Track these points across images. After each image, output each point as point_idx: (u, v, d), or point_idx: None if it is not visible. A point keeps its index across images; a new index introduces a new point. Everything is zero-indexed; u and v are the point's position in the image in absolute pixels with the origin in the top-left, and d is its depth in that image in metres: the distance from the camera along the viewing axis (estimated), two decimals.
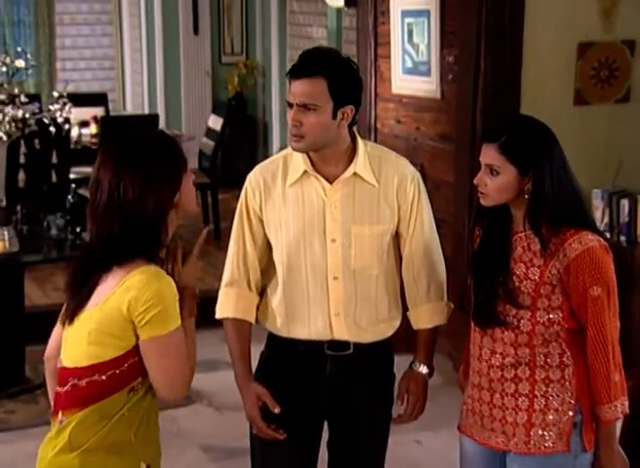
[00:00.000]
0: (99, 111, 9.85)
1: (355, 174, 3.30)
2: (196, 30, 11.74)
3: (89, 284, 2.82)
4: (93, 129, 8.68)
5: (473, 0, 6.07)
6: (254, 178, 3.39)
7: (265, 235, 3.39)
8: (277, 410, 3.29)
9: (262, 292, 3.45)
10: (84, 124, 8.95)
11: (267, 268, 3.43)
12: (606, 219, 6.22)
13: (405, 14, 6.75)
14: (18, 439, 5.18)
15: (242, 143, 11.55)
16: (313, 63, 3.21)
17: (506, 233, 3.17)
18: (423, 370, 3.49)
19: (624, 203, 6.14)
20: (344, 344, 3.37)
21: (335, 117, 3.20)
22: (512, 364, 3.12)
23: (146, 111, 11.39)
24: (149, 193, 2.78)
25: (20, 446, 4.99)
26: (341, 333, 3.35)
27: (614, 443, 3.11)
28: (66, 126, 7.74)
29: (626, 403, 3.08)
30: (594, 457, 3.11)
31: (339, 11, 9.35)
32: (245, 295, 3.41)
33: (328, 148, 3.27)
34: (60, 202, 6.85)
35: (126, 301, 2.74)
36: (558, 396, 3.09)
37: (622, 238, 6.16)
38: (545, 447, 3.10)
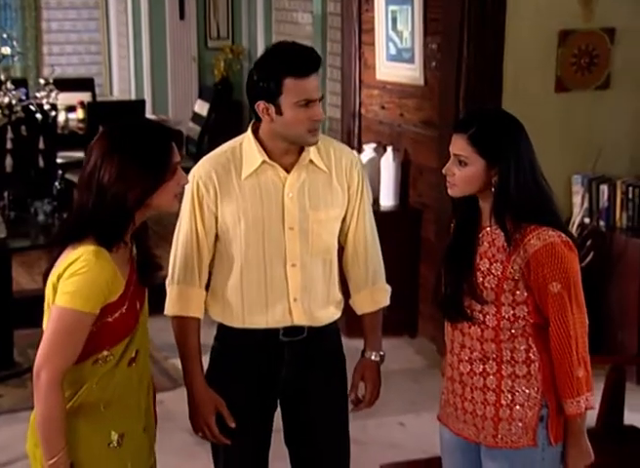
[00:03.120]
0: (85, 96, 9.88)
1: (311, 161, 3.30)
2: (182, 15, 11.76)
3: (55, 255, 2.87)
4: (80, 114, 8.71)
5: None
6: (204, 173, 3.32)
7: (216, 228, 3.34)
8: (233, 425, 3.31)
9: (208, 285, 3.41)
10: (71, 109, 8.98)
11: (216, 261, 3.39)
12: (585, 204, 6.31)
13: (389, 1, 6.83)
14: (7, 422, 5.21)
15: (228, 128, 11.27)
16: (316, 60, 3.21)
17: (475, 228, 3.16)
18: (375, 357, 3.52)
19: (604, 188, 6.26)
20: (300, 329, 3.37)
21: None
22: (480, 358, 3.12)
23: (133, 96, 11.41)
24: (121, 185, 2.81)
25: (9, 429, 5.02)
26: (300, 319, 3.36)
27: (581, 437, 3.11)
28: (53, 112, 7.76)
29: (591, 398, 3.05)
30: (562, 451, 3.12)
31: None
32: (196, 293, 3.37)
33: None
34: (47, 188, 6.89)
35: (59, 273, 2.79)
36: (524, 391, 3.09)
37: (602, 223, 6.27)
38: (512, 441, 3.11)
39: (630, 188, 6.14)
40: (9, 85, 6.47)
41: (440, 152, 6.23)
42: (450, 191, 3.14)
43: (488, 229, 3.11)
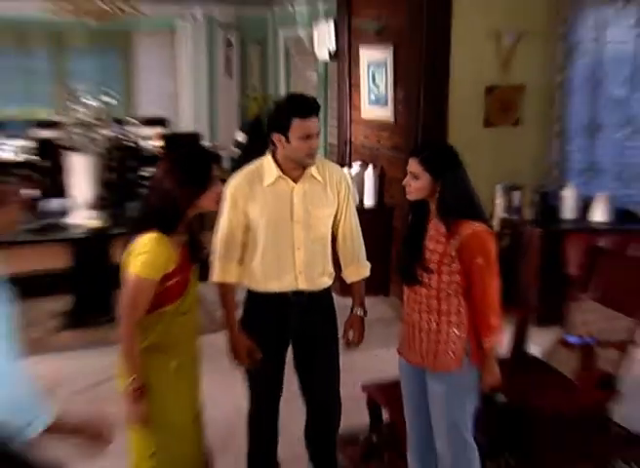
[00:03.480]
0: (161, 130, 9.86)
1: (311, 175, 3.27)
2: (229, 73, 11.63)
3: (130, 239, 2.87)
4: (157, 142, 8.68)
5: (414, 58, 6.14)
6: (237, 184, 3.28)
7: (246, 222, 3.28)
8: (258, 356, 3.30)
9: (241, 263, 3.35)
10: (151, 138, 8.95)
11: (246, 245, 3.33)
12: (505, 204, 6.29)
13: (370, 64, 6.82)
14: (107, 352, 5.15)
15: (258, 152, 11.33)
16: (316, 106, 3.18)
17: (425, 220, 3.15)
18: (360, 313, 3.51)
19: (516, 194, 6.25)
20: (303, 292, 3.34)
21: None
22: (426, 310, 3.12)
23: (193, 129, 11.28)
24: (175, 190, 2.80)
25: (108, 357, 4.95)
26: (303, 285, 3.33)
27: (493, 364, 3.10)
28: (139, 141, 7.78)
29: (500, 337, 3.07)
30: (480, 373, 3.12)
31: (325, 62, 9.36)
32: (233, 266, 3.32)
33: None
34: (135, 193, 6.88)
35: (132, 251, 2.82)
36: (455, 333, 3.09)
37: (515, 217, 6.24)
38: (446, 366, 3.11)
39: (534, 194, 6.14)
40: (111, 123, 6.49)
41: (405, 168, 6.31)
42: (408, 196, 3.14)
43: (433, 221, 3.11)
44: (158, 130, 9.78)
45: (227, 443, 4.12)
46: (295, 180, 3.25)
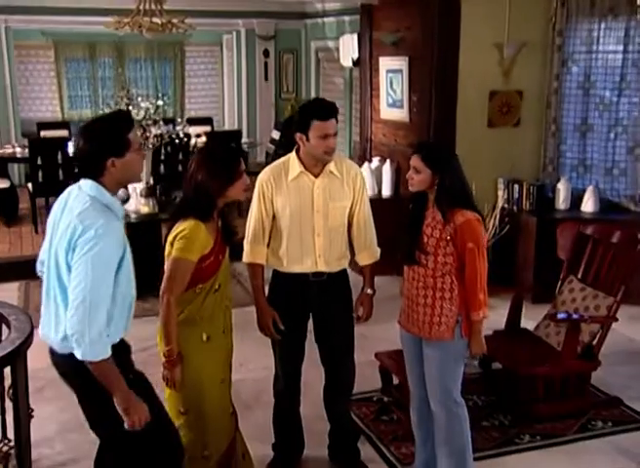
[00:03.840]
0: (207, 128, 9.86)
1: (330, 171, 3.24)
2: (266, 78, 11.64)
3: (171, 225, 2.87)
4: (203, 138, 8.72)
5: (427, 66, 6.09)
6: (266, 177, 3.27)
7: (273, 212, 3.28)
8: (282, 328, 3.29)
9: (268, 246, 3.34)
10: (198, 136, 8.93)
11: (273, 231, 3.33)
12: (505, 196, 6.23)
13: (388, 71, 6.76)
14: (153, 322, 5.21)
15: (292, 147, 11.38)
16: (333, 110, 3.16)
17: (424, 209, 3.13)
18: (370, 291, 3.47)
19: (516, 186, 6.19)
20: (322, 273, 3.31)
21: None
22: (423, 287, 3.12)
23: (235, 127, 11.36)
24: (207, 182, 2.80)
25: (153, 326, 5.00)
26: (322, 267, 3.30)
27: (480, 335, 3.10)
28: (187, 138, 7.84)
29: (486, 310, 3.05)
30: (468, 343, 3.11)
31: (350, 70, 9.36)
32: (261, 249, 3.31)
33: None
34: (182, 183, 6.95)
35: (173, 236, 2.82)
36: (448, 307, 3.09)
37: (515, 207, 6.19)
38: (440, 335, 3.10)
39: (531, 187, 6.08)
40: (161, 122, 6.52)
41: None
42: (410, 188, 3.13)
43: (431, 210, 3.10)
44: (205, 128, 9.78)
45: (258, 399, 4.18)
46: (315, 175, 3.23)
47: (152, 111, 5.93)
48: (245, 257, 3.33)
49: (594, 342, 4.11)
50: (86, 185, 2.46)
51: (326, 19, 10.53)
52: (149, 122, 5.91)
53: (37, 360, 4.71)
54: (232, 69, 11.84)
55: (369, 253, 3.47)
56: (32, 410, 3.40)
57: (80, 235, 2.35)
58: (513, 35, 6.04)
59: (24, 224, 7.95)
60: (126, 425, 2.45)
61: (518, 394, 4.11)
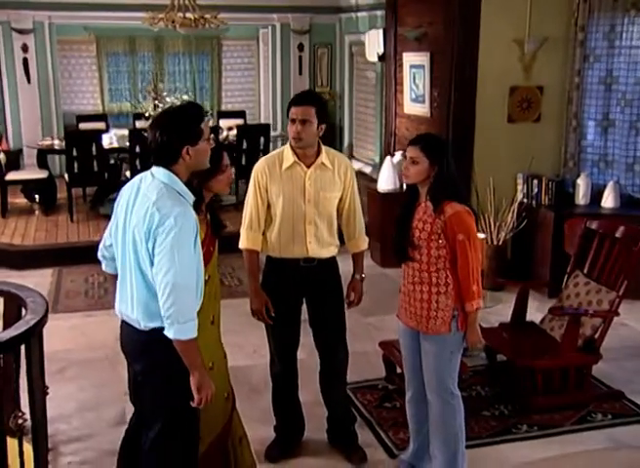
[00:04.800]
0: (240, 121, 9.95)
1: (322, 163, 3.34)
2: (300, 72, 11.72)
3: None
4: (234, 132, 8.80)
5: (447, 61, 6.14)
6: (261, 167, 3.38)
7: (267, 200, 3.37)
8: (272, 314, 3.38)
9: (263, 233, 3.44)
10: (230, 129, 9.06)
11: (267, 219, 3.42)
12: (524, 191, 6.25)
13: (412, 66, 6.82)
14: None
15: (325, 139, 11.33)
16: (308, 97, 3.30)
17: (413, 206, 3.18)
18: (359, 277, 3.56)
19: (535, 181, 6.20)
20: (312, 259, 3.41)
21: (317, 129, 3.29)
22: (418, 282, 3.17)
23: (270, 121, 11.39)
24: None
25: None
26: (312, 253, 3.40)
27: (475, 326, 3.14)
28: (219, 130, 8.00)
29: (480, 302, 3.09)
30: (464, 335, 3.16)
31: (381, 64, 9.37)
32: (257, 236, 3.42)
33: (309, 148, 3.32)
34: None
35: None
36: (444, 301, 3.13)
37: (534, 202, 6.19)
38: (436, 329, 3.15)
39: (550, 182, 6.09)
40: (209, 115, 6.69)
41: None
42: (406, 180, 3.16)
43: (423, 204, 3.14)
44: (237, 121, 9.88)
45: (268, 384, 4.27)
46: (308, 166, 3.33)
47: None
48: (241, 243, 3.44)
49: (596, 336, 4.15)
50: (159, 173, 2.57)
51: (359, 14, 10.60)
52: None
53: (60, 343, 5.06)
54: (268, 63, 11.96)
55: (357, 241, 3.55)
56: (47, 388, 3.61)
57: (159, 224, 2.48)
58: (534, 31, 6.05)
59: (61, 213, 8.23)
60: (195, 401, 2.61)
61: (517, 385, 4.18)
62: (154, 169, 2.61)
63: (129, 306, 2.66)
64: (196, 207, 2.84)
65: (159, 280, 2.49)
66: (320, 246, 3.42)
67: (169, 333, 2.51)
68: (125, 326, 2.73)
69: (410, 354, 3.35)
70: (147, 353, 2.66)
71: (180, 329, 2.50)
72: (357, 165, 10.55)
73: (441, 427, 3.27)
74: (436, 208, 3.07)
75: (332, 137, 11.60)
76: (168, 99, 6.17)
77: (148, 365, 2.67)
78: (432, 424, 3.31)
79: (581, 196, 6.12)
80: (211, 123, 7.26)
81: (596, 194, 6.14)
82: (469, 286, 3.08)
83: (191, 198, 2.61)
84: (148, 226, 2.50)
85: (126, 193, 2.68)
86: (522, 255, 6.27)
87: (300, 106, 3.24)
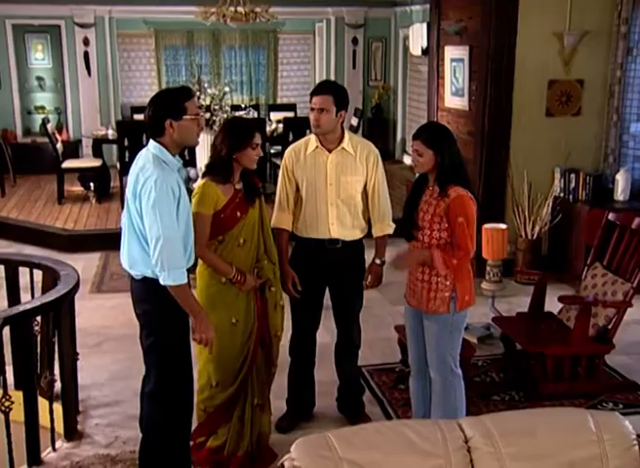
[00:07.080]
0: (290, 114, 10.21)
1: (343, 148, 3.58)
2: (354, 66, 11.93)
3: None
4: (282, 124, 8.96)
5: (485, 56, 6.23)
6: (289, 152, 3.68)
7: (295, 182, 3.64)
8: (299, 288, 3.65)
9: (294, 214, 3.69)
10: (279, 121, 9.24)
11: (296, 201, 3.68)
12: (561, 185, 6.33)
13: (452, 60, 6.92)
14: None
15: (379, 134, 11.41)
16: (325, 87, 3.57)
17: (423, 187, 3.35)
18: (378, 261, 3.76)
19: (572, 176, 6.27)
20: (336, 241, 3.64)
21: (336, 116, 3.51)
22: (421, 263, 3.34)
23: None
24: (219, 146, 3.25)
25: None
26: (335, 235, 3.63)
27: (422, 259, 3.26)
28: (267, 122, 8.26)
29: (453, 265, 3.21)
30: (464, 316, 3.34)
31: None
32: (286, 216, 3.68)
33: (329, 134, 3.56)
34: (264, 165, 7.43)
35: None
36: (443, 282, 3.29)
37: (571, 197, 6.27)
38: (436, 309, 3.32)
39: (588, 177, 6.16)
40: (227, 108, 6.94)
41: (474, 150, 6.41)
42: (416, 170, 3.35)
43: (430, 188, 3.31)
44: (287, 114, 10.16)
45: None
46: (330, 151, 3.59)
47: (219, 97, 6.41)
48: (272, 223, 3.67)
49: (609, 326, 4.27)
50: (151, 145, 2.96)
51: (413, 8, 10.75)
52: (216, 107, 6.38)
53: (101, 320, 5.47)
54: (323, 57, 12.21)
55: (382, 226, 3.74)
56: (77, 354, 4.00)
57: (143, 185, 2.85)
58: (575, 24, 6.11)
59: (114, 201, 8.73)
60: (193, 337, 3.03)
61: (529, 372, 4.33)
62: (150, 142, 2.99)
63: (124, 257, 3.05)
64: (222, 175, 3.23)
65: (149, 236, 2.88)
66: (343, 228, 3.63)
67: (161, 280, 2.89)
68: (129, 278, 3.11)
69: (413, 333, 3.52)
70: (143, 299, 3.04)
71: (168, 275, 2.86)
72: (409, 160, 10.70)
73: (441, 403, 3.46)
74: (441, 190, 3.25)
75: (385, 132, 11.85)
76: (209, 91, 6.51)
77: (144, 309, 3.05)
78: (433, 400, 3.50)
79: (620, 191, 6.16)
80: (245, 113, 7.50)
81: (637, 190, 6.18)
82: (460, 256, 3.25)
83: (176, 165, 2.95)
84: (135, 188, 2.91)
85: (134, 163, 3.06)
86: (558, 250, 6.37)
87: (318, 96, 3.50)
